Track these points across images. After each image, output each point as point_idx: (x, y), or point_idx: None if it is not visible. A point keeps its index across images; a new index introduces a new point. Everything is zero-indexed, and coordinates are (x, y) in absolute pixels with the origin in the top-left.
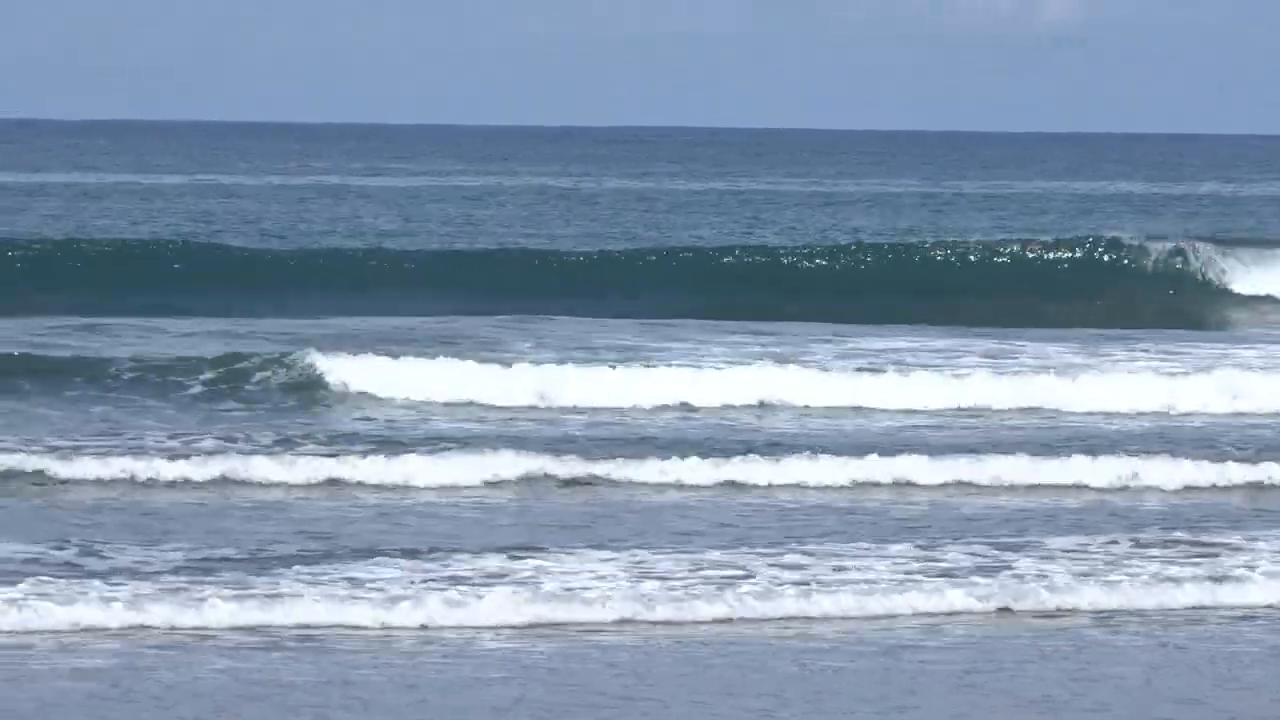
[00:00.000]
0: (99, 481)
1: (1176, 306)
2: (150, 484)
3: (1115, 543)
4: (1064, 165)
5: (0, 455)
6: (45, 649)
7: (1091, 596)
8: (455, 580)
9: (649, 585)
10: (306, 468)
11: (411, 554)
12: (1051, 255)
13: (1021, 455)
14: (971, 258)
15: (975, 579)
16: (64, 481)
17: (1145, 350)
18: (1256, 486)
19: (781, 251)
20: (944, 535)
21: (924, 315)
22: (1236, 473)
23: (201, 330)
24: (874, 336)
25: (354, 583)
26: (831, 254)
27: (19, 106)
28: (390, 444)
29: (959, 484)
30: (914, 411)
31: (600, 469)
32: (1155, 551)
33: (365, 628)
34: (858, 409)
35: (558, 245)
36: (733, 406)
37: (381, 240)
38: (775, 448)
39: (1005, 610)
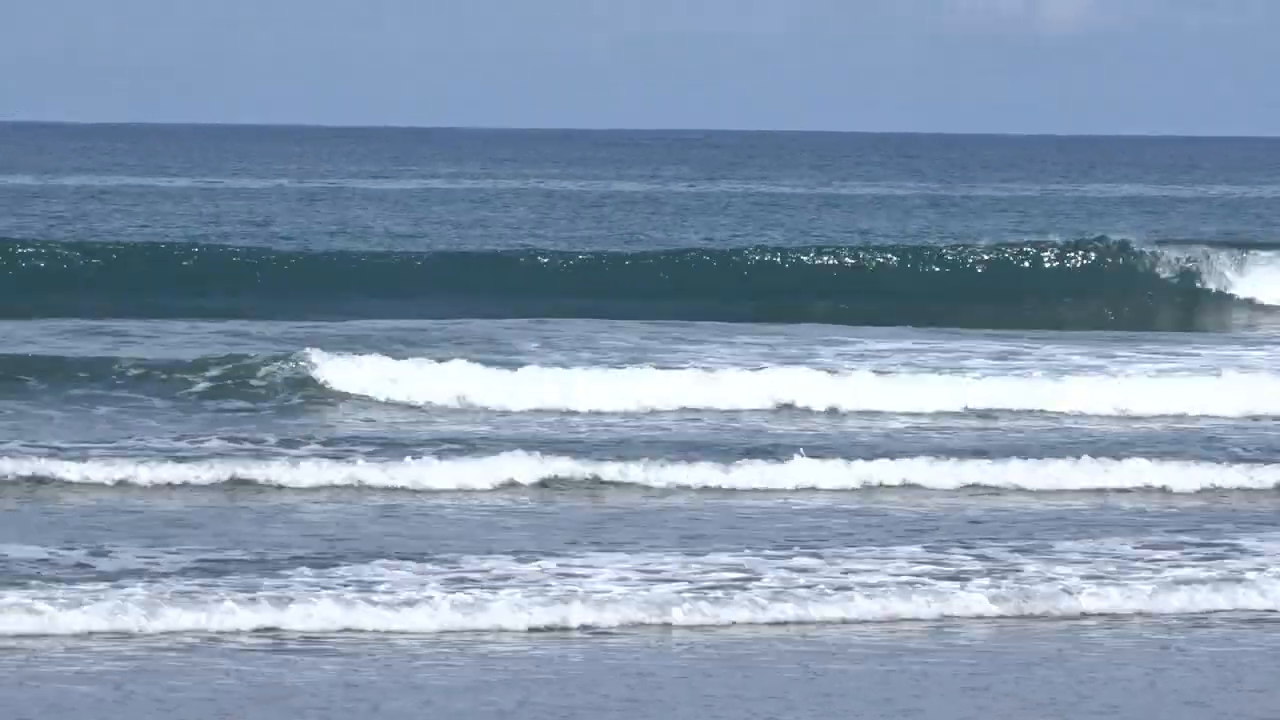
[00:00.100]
0: (103, 484)
1: (1185, 309)
2: (155, 487)
3: (1123, 545)
4: (1069, 168)
5: (4, 458)
6: (50, 651)
7: (1098, 599)
8: (461, 582)
9: (655, 588)
10: (312, 470)
11: (418, 557)
12: (1059, 258)
13: (1030, 458)
14: (979, 260)
15: (982, 581)
16: (69, 484)
17: (1154, 353)
18: (1268, 490)
19: (791, 253)
20: (952, 538)
21: (932, 317)
22: (1247, 476)
23: (208, 332)
24: (881, 339)
25: (360, 585)
26: (840, 256)
27: (19, 107)
28: (396, 446)
29: (966, 487)
30: (921, 414)
31: (608, 472)
32: (1162, 555)
33: (370, 631)
34: (865, 411)
35: (566, 247)
36: (741, 410)
37: (393, 242)
38: (782, 450)
39: (1012, 614)
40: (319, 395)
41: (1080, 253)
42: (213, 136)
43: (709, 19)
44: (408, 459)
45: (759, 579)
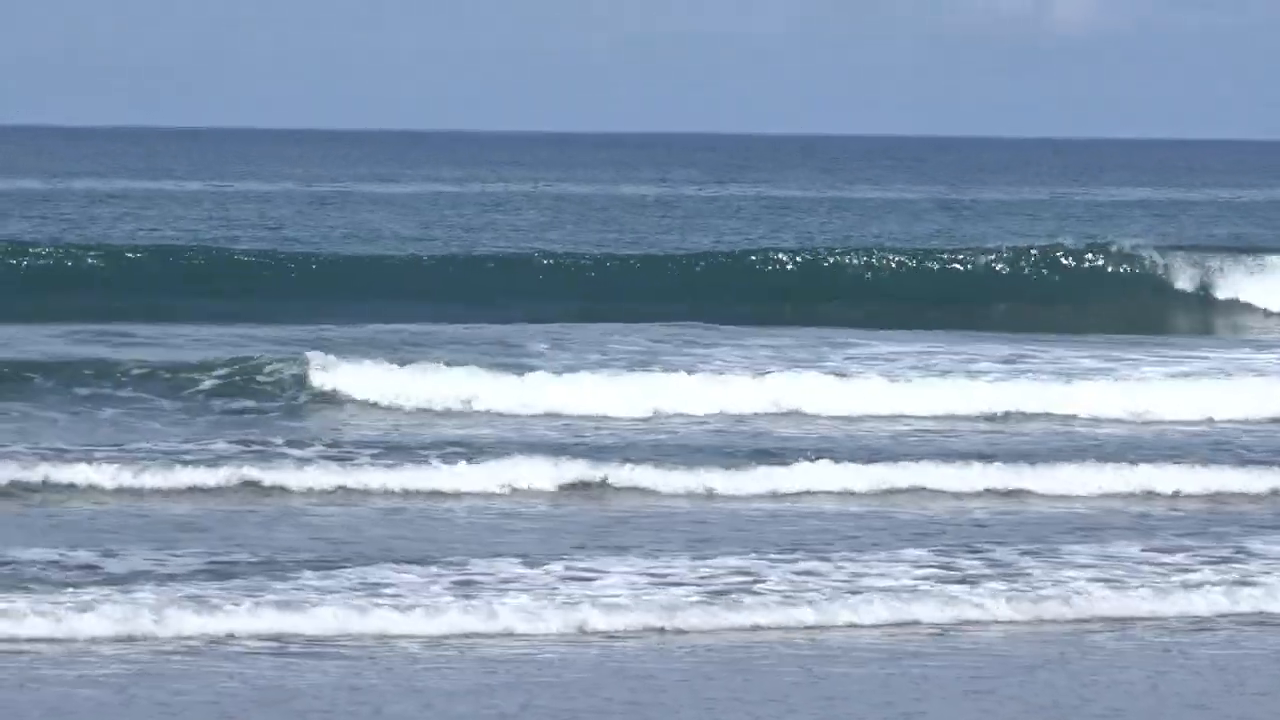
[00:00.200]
0: (108, 488)
1: (1191, 313)
2: (160, 491)
3: (1130, 548)
4: (1078, 170)
5: (9, 461)
6: (54, 654)
7: (1108, 602)
8: (467, 586)
9: (659, 591)
10: (319, 474)
11: (425, 560)
12: (1066, 261)
13: (1038, 462)
14: (983, 264)
15: (988, 585)
16: (74, 488)
17: (1164, 356)
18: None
19: (802, 256)
20: (958, 541)
21: (938, 321)
22: (1257, 479)
23: (215, 335)
24: (888, 342)
25: (364, 589)
26: (850, 259)
27: (18, 109)
28: (401, 450)
29: (974, 491)
30: (931, 417)
31: (615, 475)
32: (1169, 559)
33: (373, 634)
34: (872, 415)
35: (577, 250)
36: (749, 414)
37: (402, 245)
38: (789, 453)
39: (1022, 618)
40: (325, 399)
41: (1089, 256)
42: (212, 140)
43: (709, 19)
44: (410, 464)
45: (764, 582)
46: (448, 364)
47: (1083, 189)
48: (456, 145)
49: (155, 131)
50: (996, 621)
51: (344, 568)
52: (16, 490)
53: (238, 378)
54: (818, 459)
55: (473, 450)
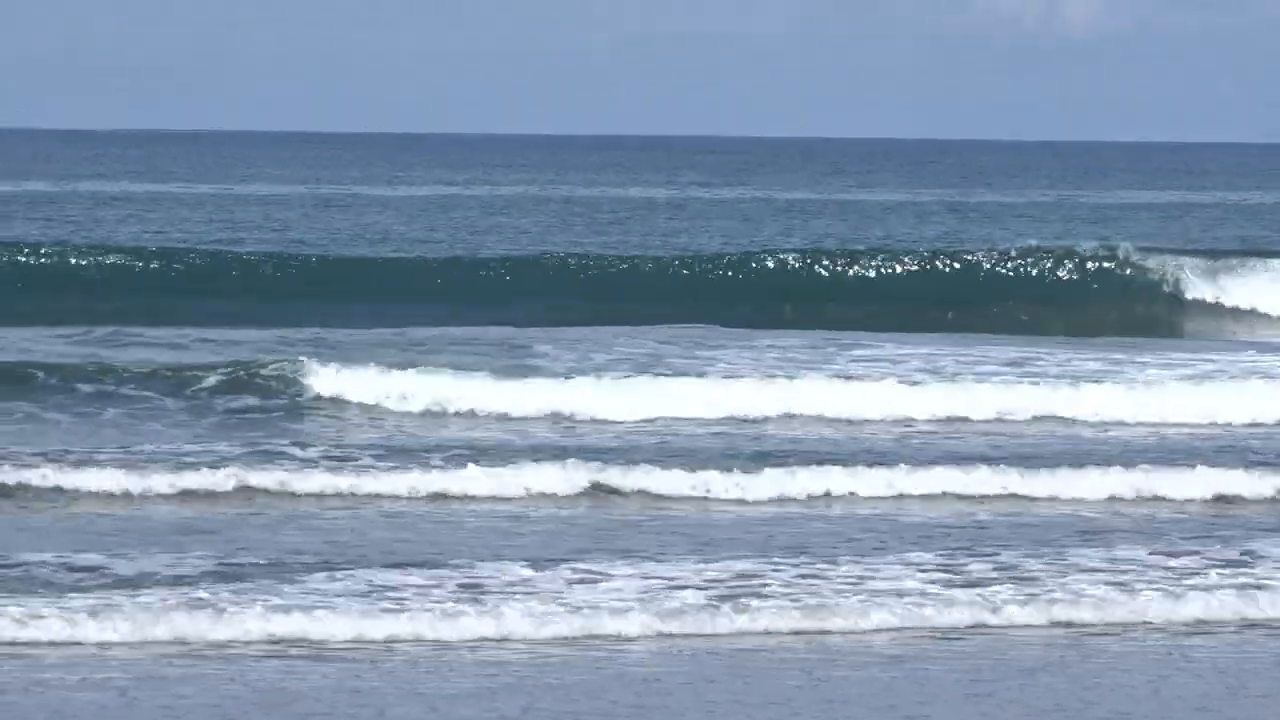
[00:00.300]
0: (113, 492)
1: (1199, 316)
2: (164, 495)
3: (1137, 552)
4: (1084, 172)
5: (12, 465)
6: (57, 656)
7: (1110, 606)
8: (470, 589)
9: (664, 594)
10: (322, 477)
11: (429, 563)
12: (1072, 264)
13: (1043, 465)
14: (994, 265)
15: (992, 588)
16: (76, 491)
17: (1169, 360)
18: None
19: (809, 258)
20: (962, 544)
21: (946, 323)
22: (1265, 483)
23: (220, 337)
24: (892, 344)
25: (367, 593)
26: (856, 262)
27: (19, 109)
28: (405, 453)
29: (977, 494)
30: (939, 420)
31: (620, 478)
32: (1175, 562)
33: (378, 638)
34: (876, 418)
35: (586, 252)
36: (754, 417)
37: (410, 247)
38: (794, 457)
39: (1023, 621)
40: (328, 402)
41: (1094, 259)
42: (213, 143)
43: (709, 19)
44: (414, 467)
45: (769, 585)
46: (453, 367)
47: (1087, 191)
48: (456, 148)
49: (156, 134)
50: (999, 625)
51: (347, 571)
52: (21, 492)
53: (241, 379)
54: (824, 461)
55: (476, 453)
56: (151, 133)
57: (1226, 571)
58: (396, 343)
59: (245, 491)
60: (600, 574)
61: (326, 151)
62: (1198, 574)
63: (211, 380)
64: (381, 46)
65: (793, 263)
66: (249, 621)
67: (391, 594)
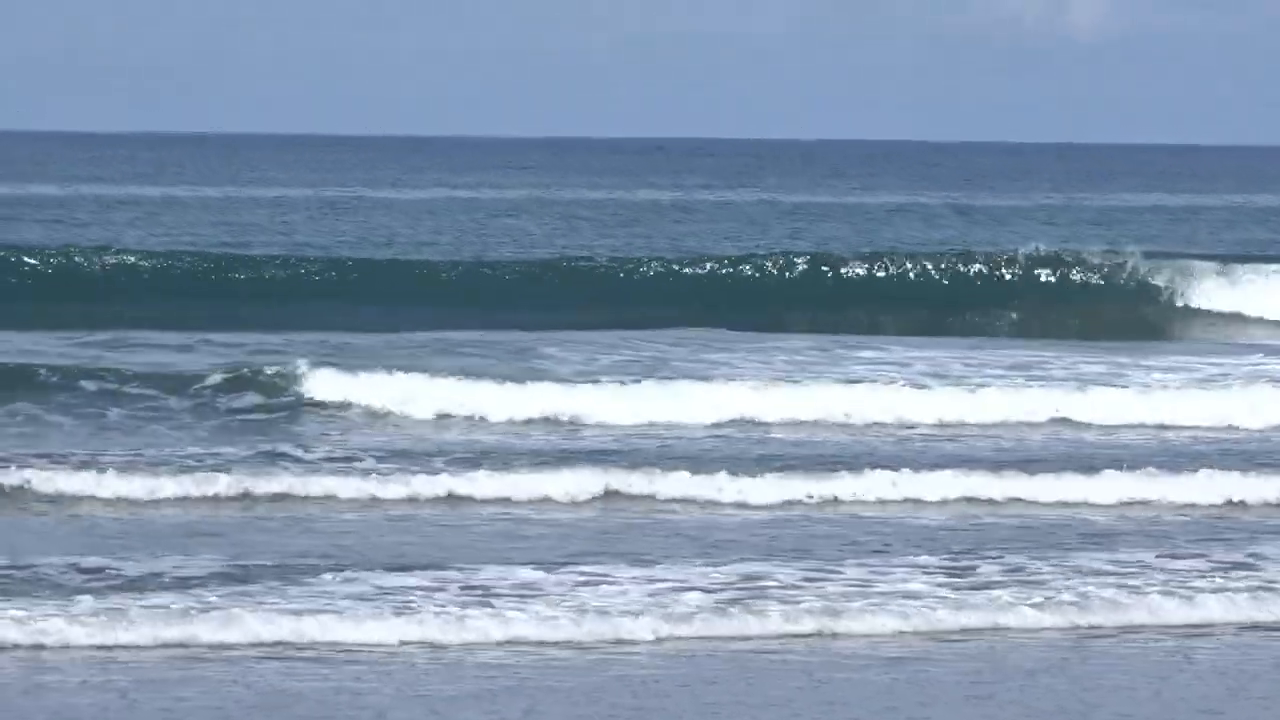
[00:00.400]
0: (115, 496)
1: (1208, 321)
2: (167, 499)
3: (1142, 555)
4: (1085, 175)
5: (14, 468)
6: (58, 659)
7: (1110, 608)
8: (472, 592)
9: (667, 597)
10: (328, 481)
11: (435, 566)
12: (1078, 268)
13: (1049, 469)
14: (999, 268)
15: (995, 592)
16: (80, 494)
17: (1176, 364)
18: None
19: (824, 261)
20: (967, 549)
21: (950, 327)
22: (1271, 486)
23: (225, 341)
24: (900, 348)
25: (370, 596)
26: (867, 264)
27: (18, 110)
28: (409, 456)
29: (982, 499)
30: (944, 424)
31: (623, 482)
32: (1181, 564)
33: (378, 642)
34: (881, 422)
35: (594, 254)
36: (758, 421)
37: (418, 250)
38: (797, 460)
39: (1026, 624)
40: (334, 406)
41: (1100, 262)
42: (215, 146)
43: (709, 20)
44: (419, 471)
45: (772, 588)
46: (458, 370)
47: (1092, 194)
48: (458, 151)
49: (157, 136)
50: (1001, 627)
51: (352, 573)
52: (25, 495)
53: (247, 382)
54: (825, 466)
55: (480, 457)
56: (152, 135)
57: (1230, 574)
58: (403, 346)
59: (250, 495)
60: (605, 577)
61: (330, 154)
62: (1201, 576)
63: (217, 384)
64: (381, 47)
65: (800, 266)
66: (253, 624)
67: (396, 597)
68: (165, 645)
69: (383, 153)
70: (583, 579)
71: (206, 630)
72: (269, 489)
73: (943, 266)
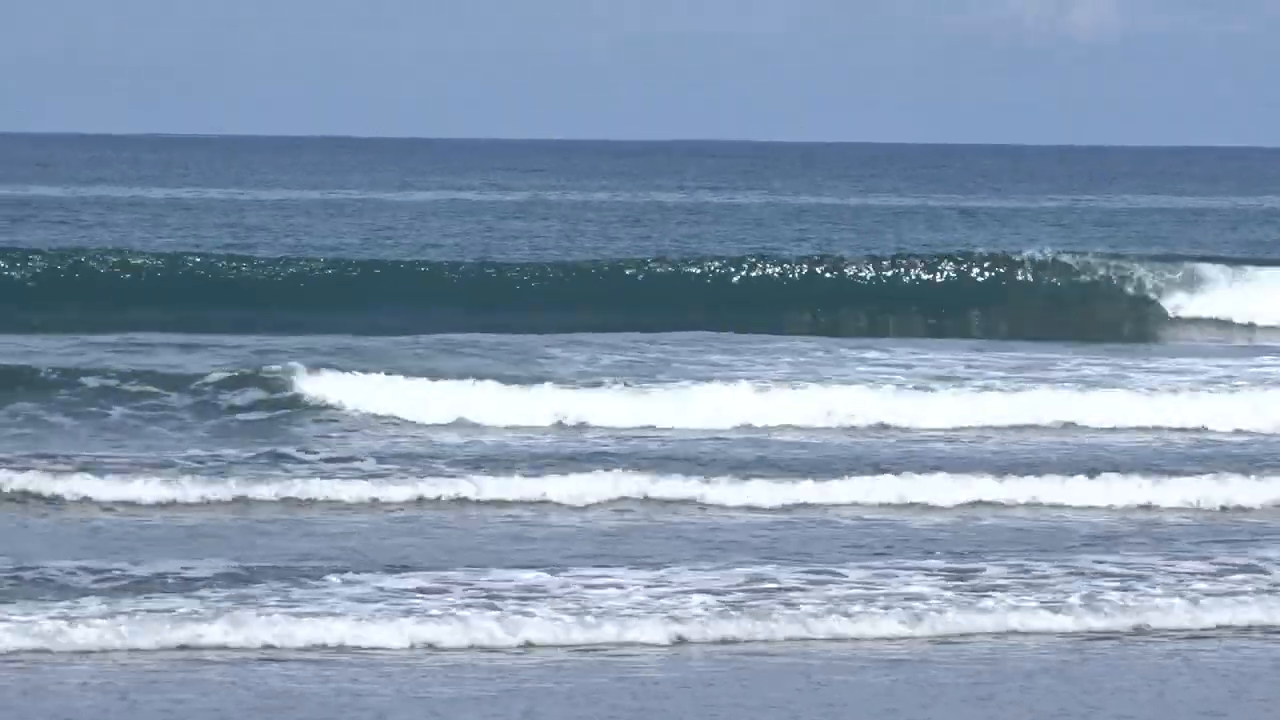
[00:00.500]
0: (119, 499)
1: (1212, 324)
2: (169, 503)
3: (1147, 558)
4: (1089, 177)
5: (13, 473)
6: (59, 661)
7: (1111, 610)
8: (476, 595)
9: (668, 600)
10: (331, 485)
11: (436, 570)
12: (1080, 270)
13: (1051, 472)
14: (1003, 270)
15: (997, 595)
16: (82, 497)
17: (1182, 366)
18: None
19: (830, 263)
20: (971, 552)
21: (954, 329)
22: (1276, 489)
23: (229, 344)
24: (905, 350)
25: (371, 599)
26: (874, 267)
27: (18, 110)
28: (413, 460)
29: (985, 501)
30: (948, 428)
31: (629, 486)
32: (1181, 567)
33: (380, 646)
34: (882, 425)
35: (602, 258)
36: (759, 425)
37: (423, 253)
38: (800, 464)
39: (1028, 627)
40: (338, 409)
41: (1103, 264)
42: (218, 148)
43: (709, 21)
44: (424, 475)
45: (774, 592)
46: (462, 373)
47: (1099, 195)
48: (461, 153)
49: (158, 139)
50: (1002, 630)
51: (355, 575)
52: (29, 498)
53: (248, 386)
54: (827, 469)
55: (483, 460)
56: (154, 137)
57: (1233, 577)
58: (407, 348)
59: (252, 497)
60: (607, 580)
61: (331, 156)
62: (1203, 579)
63: (220, 386)
64: (382, 48)
65: (805, 268)
66: (254, 626)
67: (398, 600)
68: (165, 648)
69: (384, 154)
70: (585, 582)
71: (207, 632)
72: (271, 491)
73: (947, 269)
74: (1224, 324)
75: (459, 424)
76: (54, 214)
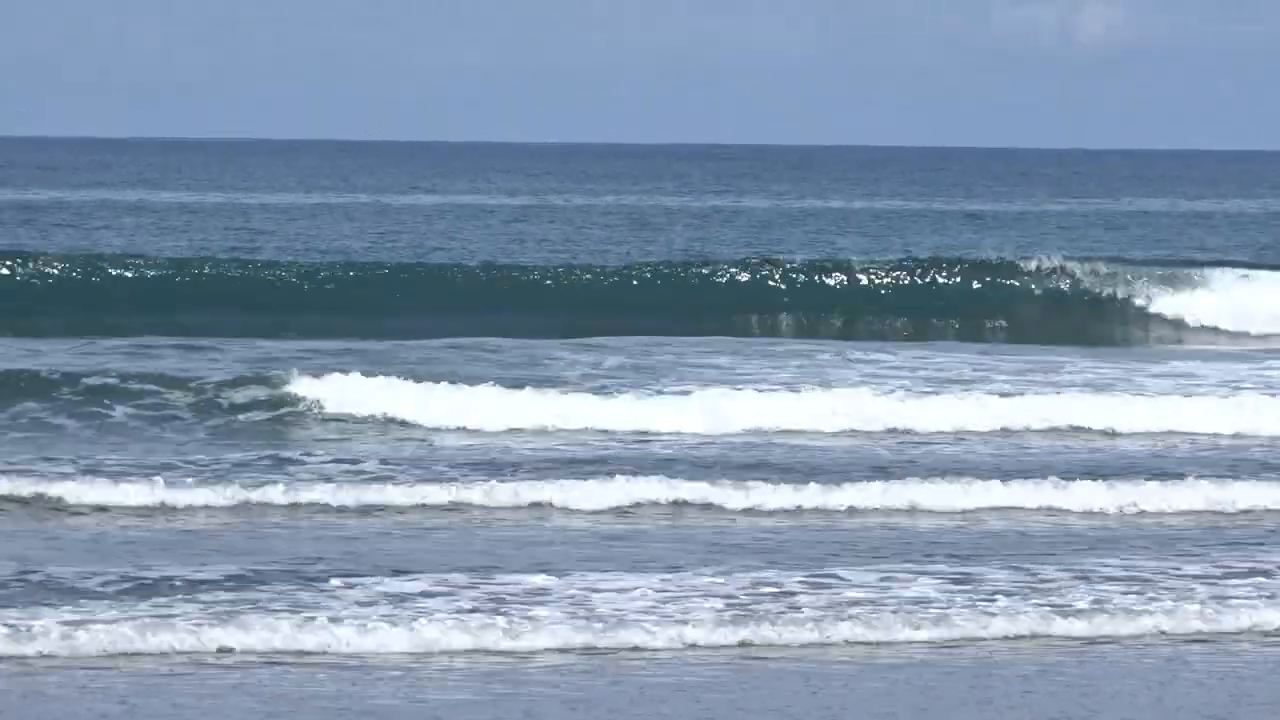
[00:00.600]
0: (122, 505)
1: (1219, 328)
2: (172, 507)
3: (1148, 562)
4: (1093, 181)
5: (18, 477)
6: (60, 665)
7: (1112, 614)
8: (478, 599)
9: (670, 604)
10: (335, 489)
11: (439, 573)
12: (1086, 273)
13: (1054, 476)
14: (1007, 274)
15: (1001, 600)
16: (82, 503)
17: (1189, 369)
18: None
19: (834, 267)
20: (975, 557)
21: (957, 333)
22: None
23: (233, 348)
24: (909, 353)
25: (373, 602)
26: (878, 271)
27: (18, 110)
28: (416, 464)
29: (988, 507)
30: (950, 432)
31: (632, 491)
32: (1182, 570)
33: (381, 650)
34: (882, 430)
35: (607, 261)
36: (764, 428)
37: (429, 255)
38: (802, 468)
39: (1029, 631)
40: (341, 412)
41: (1112, 271)
42: (216, 153)
43: (711, 22)
44: (428, 481)
45: (778, 596)
46: (466, 377)
47: (1106, 200)
48: (461, 156)
49: (159, 142)
50: (1004, 634)
51: (361, 580)
52: (30, 503)
53: (254, 390)
54: (828, 474)
55: (485, 464)
56: (152, 141)
57: (1236, 581)
58: (412, 352)
59: (254, 502)
60: (610, 583)
61: (333, 160)
62: (1205, 582)
63: (226, 391)
64: (383, 51)
65: (810, 272)
66: (255, 630)
67: (400, 603)
68: (166, 653)
69: (385, 158)
70: (589, 586)
71: (208, 636)
72: (275, 495)
73: (954, 273)
74: (1230, 328)
75: (463, 427)
76: (60, 217)
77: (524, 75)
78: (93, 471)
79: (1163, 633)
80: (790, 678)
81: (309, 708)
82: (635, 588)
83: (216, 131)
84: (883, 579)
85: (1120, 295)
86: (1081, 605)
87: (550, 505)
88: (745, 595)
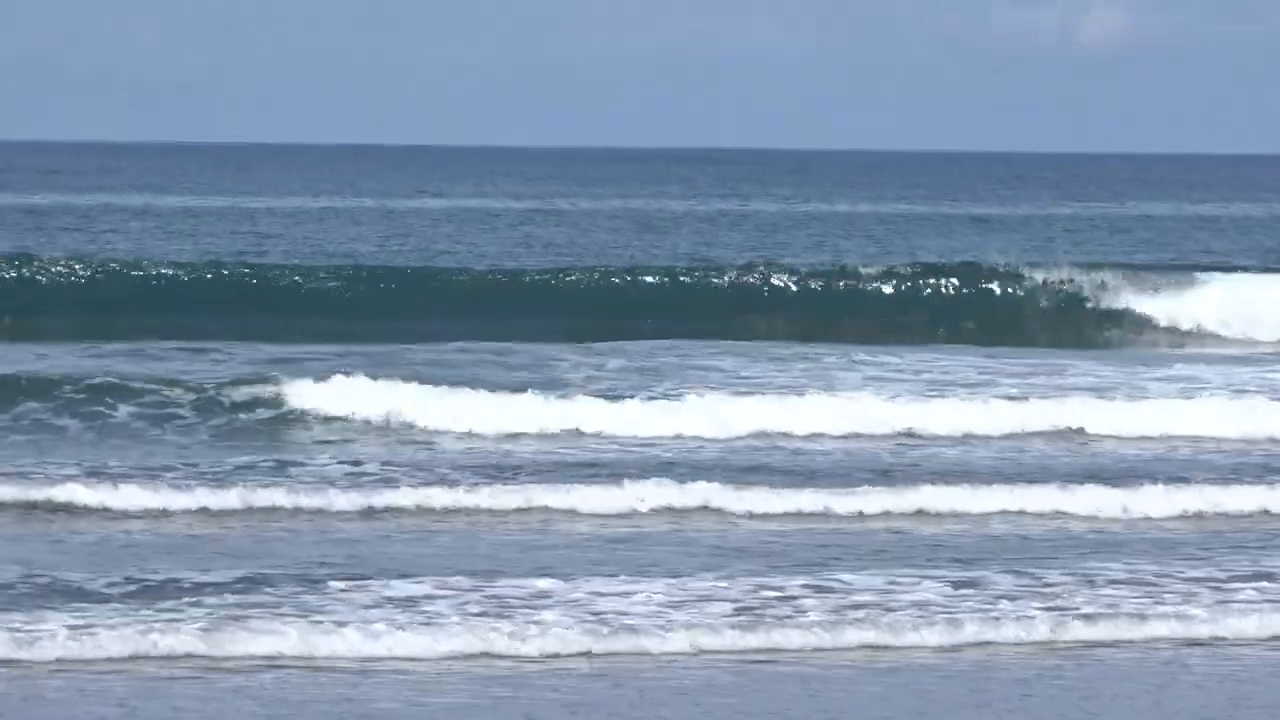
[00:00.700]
0: (123, 508)
1: (1225, 333)
2: (173, 511)
3: (1149, 566)
4: (1095, 184)
5: (21, 481)
6: (61, 668)
7: (1113, 618)
8: (477, 603)
9: (671, 610)
10: (338, 493)
11: (442, 576)
12: (1089, 276)
13: (1057, 480)
14: (1009, 278)
15: (1002, 604)
16: (84, 507)
17: (1193, 374)
18: None
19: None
20: (978, 561)
21: (959, 335)
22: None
23: (234, 352)
24: (911, 357)
25: (378, 605)
26: (881, 275)
27: (18, 112)
28: (419, 467)
29: (993, 510)
30: (952, 436)
31: (634, 495)
32: (1183, 575)
33: (381, 653)
34: (883, 434)
35: (606, 265)
36: (767, 432)
37: (434, 259)
38: (803, 473)
39: (1029, 635)
40: (345, 416)
41: (1115, 276)
42: (219, 155)
43: (709, 23)
44: (433, 484)
45: (780, 600)
46: (469, 381)
47: (1110, 204)
48: (462, 160)
49: (158, 146)
50: (1005, 638)
51: (364, 583)
52: (33, 507)
53: (258, 393)
54: (830, 478)
55: (489, 468)
56: (153, 145)
57: (1238, 585)
58: (416, 356)
59: (257, 505)
60: (614, 589)
61: (338, 164)
62: (1207, 585)
63: (230, 394)
64: (384, 53)
65: (814, 276)
66: (255, 634)
67: (401, 606)
68: (167, 656)
69: (387, 161)
70: (593, 590)
71: (209, 640)
72: (277, 498)
73: (960, 277)
74: (1236, 334)
75: (467, 431)
76: (65, 221)
77: (524, 75)
78: (96, 474)
79: (1164, 637)
80: (790, 681)
81: (310, 711)
82: (638, 591)
83: (216, 132)
84: (887, 582)
85: (1124, 300)
86: (1082, 608)
87: (554, 509)
88: (748, 599)
